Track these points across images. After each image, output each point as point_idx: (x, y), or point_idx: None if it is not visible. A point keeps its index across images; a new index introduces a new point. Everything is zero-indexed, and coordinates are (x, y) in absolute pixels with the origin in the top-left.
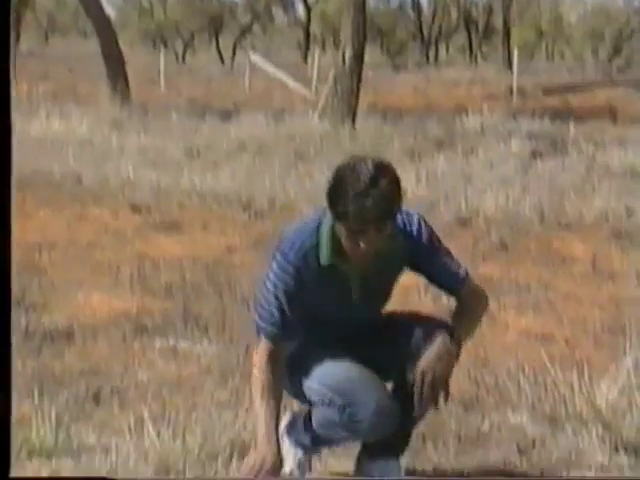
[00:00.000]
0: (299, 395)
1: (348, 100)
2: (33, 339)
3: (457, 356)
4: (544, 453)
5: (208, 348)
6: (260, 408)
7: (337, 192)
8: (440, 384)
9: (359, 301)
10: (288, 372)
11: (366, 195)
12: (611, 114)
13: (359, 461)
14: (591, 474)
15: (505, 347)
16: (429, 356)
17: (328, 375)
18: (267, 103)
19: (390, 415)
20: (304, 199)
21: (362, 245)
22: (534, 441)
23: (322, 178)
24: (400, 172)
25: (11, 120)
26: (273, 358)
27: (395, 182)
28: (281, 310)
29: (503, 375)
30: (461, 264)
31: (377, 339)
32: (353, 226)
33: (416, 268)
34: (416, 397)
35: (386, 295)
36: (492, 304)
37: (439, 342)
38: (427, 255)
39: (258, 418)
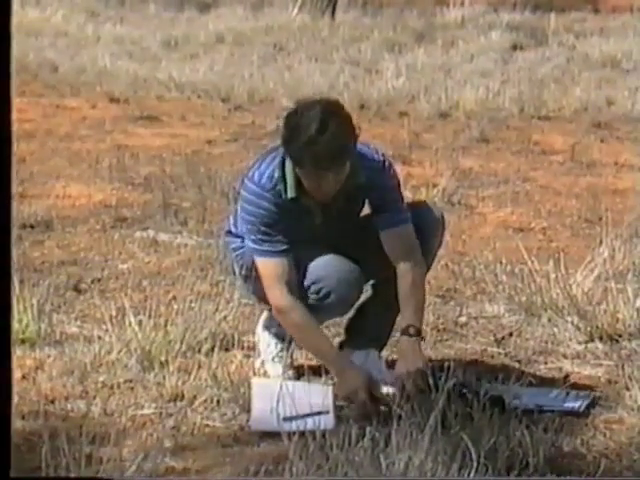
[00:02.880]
0: (254, 291)
1: None
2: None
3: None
4: (521, 342)
5: (188, 240)
6: (313, 341)
7: (289, 140)
8: (421, 383)
9: (322, 227)
10: (238, 266)
11: (317, 142)
12: (592, 4)
13: (341, 350)
14: (567, 362)
15: (483, 239)
16: (402, 369)
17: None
18: None
19: (354, 283)
20: (283, 91)
21: (323, 187)
22: (511, 331)
23: (301, 70)
24: (380, 65)
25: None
26: (288, 283)
27: (345, 123)
28: (268, 233)
29: (481, 267)
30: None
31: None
32: (311, 171)
33: (369, 197)
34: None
35: (353, 217)
36: (471, 196)
37: (408, 350)
38: (382, 187)
39: (319, 353)
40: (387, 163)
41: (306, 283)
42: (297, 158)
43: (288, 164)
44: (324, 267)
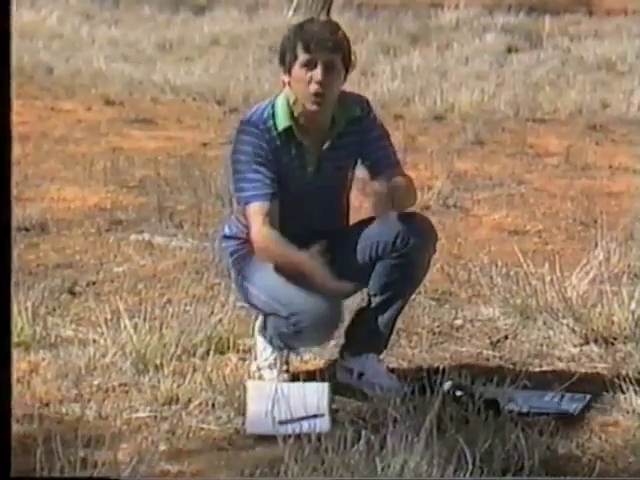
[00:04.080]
0: (247, 298)
1: None
2: None
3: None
4: (516, 345)
5: (183, 243)
6: (293, 259)
7: (288, 36)
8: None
9: (314, 180)
10: (234, 271)
11: (313, 21)
12: (587, 7)
13: (341, 355)
14: (562, 365)
15: (478, 242)
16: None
17: (271, 283)
18: None
19: (330, 322)
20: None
21: (314, 82)
22: (506, 334)
23: None
24: (375, 67)
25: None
26: (271, 223)
27: (344, 32)
28: (259, 172)
29: (476, 270)
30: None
31: (338, 241)
32: (303, 51)
33: (362, 146)
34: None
35: (342, 184)
36: (467, 199)
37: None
38: (371, 132)
39: (300, 265)
40: (371, 105)
41: (283, 313)
42: (290, 38)
43: (280, 96)
44: (302, 297)
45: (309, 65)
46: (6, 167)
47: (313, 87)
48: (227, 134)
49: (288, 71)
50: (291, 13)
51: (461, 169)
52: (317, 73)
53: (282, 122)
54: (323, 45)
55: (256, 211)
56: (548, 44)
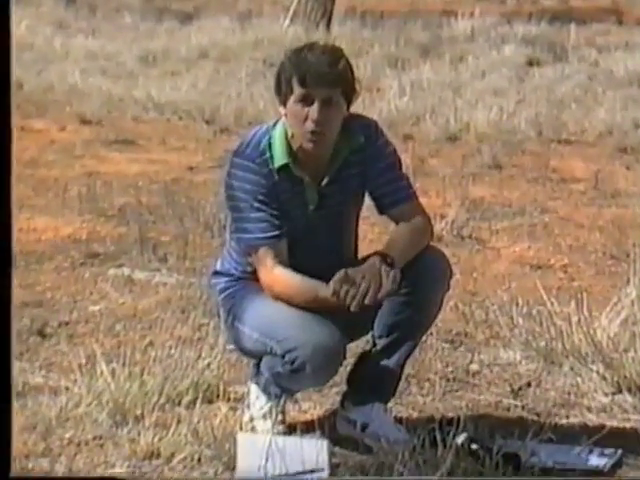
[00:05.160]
0: (237, 341)
1: (323, 2)
2: None
3: (394, 279)
4: (539, 393)
5: (167, 278)
6: (319, 293)
7: (284, 65)
8: (362, 291)
9: (316, 219)
10: (224, 310)
11: (314, 49)
12: (616, 15)
13: (342, 406)
14: (592, 416)
15: (497, 277)
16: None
17: (264, 320)
18: (232, 4)
19: (333, 352)
20: (274, 111)
21: (310, 120)
22: (528, 380)
23: None
24: (381, 82)
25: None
26: (282, 263)
27: (347, 60)
28: (261, 210)
29: (494, 308)
30: (411, 183)
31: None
32: (299, 85)
33: (367, 178)
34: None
35: (348, 219)
36: (483, 229)
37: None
38: (379, 161)
39: (326, 297)
40: (380, 130)
41: (279, 351)
42: (285, 68)
43: (278, 127)
44: (300, 332)
45: (305, 101)
46: (6, 167)
47: (309, 125)
48: (217, 157)
49: (283, 104)
50: (287, 22)
51: (477, 196)
52: (314, 110)
53: (279, 158)
54: (321, 79)
55: (265, 255)
56: (573, 56)
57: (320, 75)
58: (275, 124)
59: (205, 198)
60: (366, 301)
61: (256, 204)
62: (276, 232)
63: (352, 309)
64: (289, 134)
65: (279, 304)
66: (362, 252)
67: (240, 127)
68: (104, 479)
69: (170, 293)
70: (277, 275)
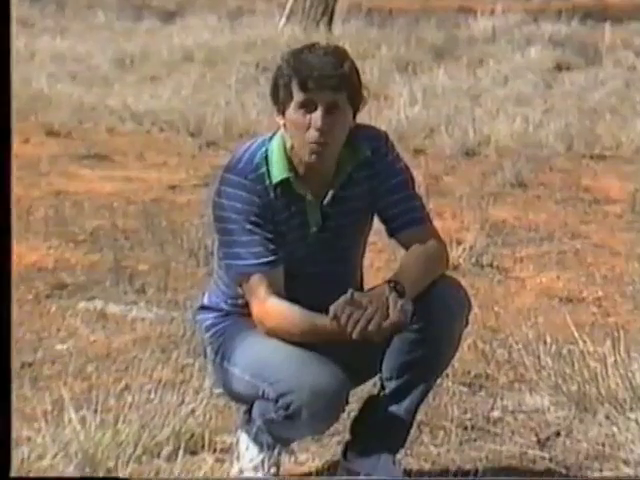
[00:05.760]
0: (225, 383)
1: None
2: None
3: (402, 309)
4: (570, 444)
5: (146, 313)
6: (318, 326)
7: (282, 68)
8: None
9: (318, 241)
10: (211, 349)
11: (315, 50)
12: None
13: (345, 457)
14: (629, 470)
15: (521, 311)
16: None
17: (255, 359)
18: (220, 1)
19: (334, 396)
20: (268, 122)
21: (313, 129)
22: (557, 430)
23: None
24: (389, 89)
25: None
26: (277, 293)
27: (352, 62)
28: (254, 233)
29: (519, 347)
30: (424, 203)
31: None
32: (300, 90)
33: (375, 197)
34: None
35: (353, 243)
36: (506, 257)
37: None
38: (389, 177)
39: (328, 329)
40: (390, 143)
41: (272, 395)
42: (283, 72)
43: (276, 139)
44: (296, 373)
45: (307, 107)
46: (6, 167)
47: (312, 135)
48: (202, 174)
49: (282, 112)
50: (283, 21)
51: (498, 218)
52: (316, 117)
53: (278, 173)
54: (324, 83)
55: (258, 283)
56: (608, 60)
57: (323, 78)
58: (272, 136)
59: (189, 221)
60: (370, 328)
61: (248, 226)
62: (271, 258)
63: (354, 336)
64: (288, 146)
65: (274, 341)
66: (368, 283)
67: (229, 140)
68: (107, 479)
69: (149, 330)
70: (270, 306)
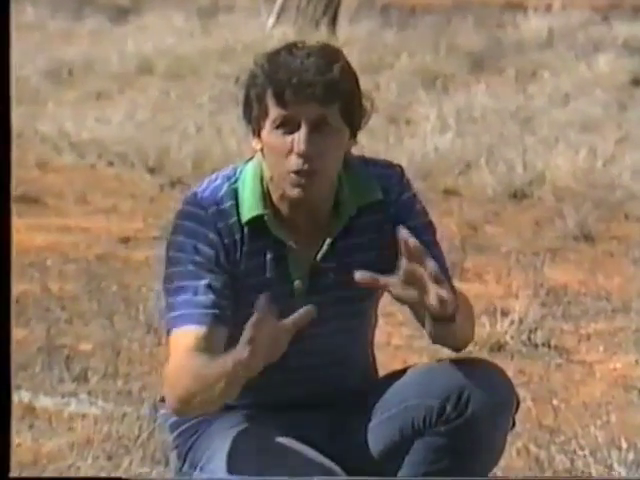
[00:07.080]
0: None
1: None
2: None
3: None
4: None
5: (88, 407)
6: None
7: (255, 75)
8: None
9: (305, 305)
10: (175, 454)
11: (296, 49)
12: None
13: None
14: None
15: (589, 406)
16: None
17: (235, 459)
18: None
19: None
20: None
21: (295, 154)
22: None
23: None
24: (411, 110)
25: None
26: (205, 349)
27: (346, 64)
28: (201, 279)
29: (584, 453)
30: (446, 261)
31: (353, 407)
32: (276, 103)
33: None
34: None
35: (358, 311)
36: (568, 333)
37: None
38: (403, 221)
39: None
40: (407, 180)
41: None
42: (256, 80)
43: (250, 167)
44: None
45: (286, 126)
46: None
47: (294, 162)
48: (164, 222)
49: (257, 134)
50: (272, 20)
51: (558, 282)
52: (299, 139)
53: (249, 209)
54: (306, 93)
55: (185, 336)
56: None
57: (305, 86)
58: (247, 162)
59: (147, 285)
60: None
61: (193, 267)
62: (212, 311)
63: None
64: (267, 176)
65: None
66: (384, 366)
67: (200, 177)
68: (110, 479)
69: (92, 430)
70: (180, 361)
